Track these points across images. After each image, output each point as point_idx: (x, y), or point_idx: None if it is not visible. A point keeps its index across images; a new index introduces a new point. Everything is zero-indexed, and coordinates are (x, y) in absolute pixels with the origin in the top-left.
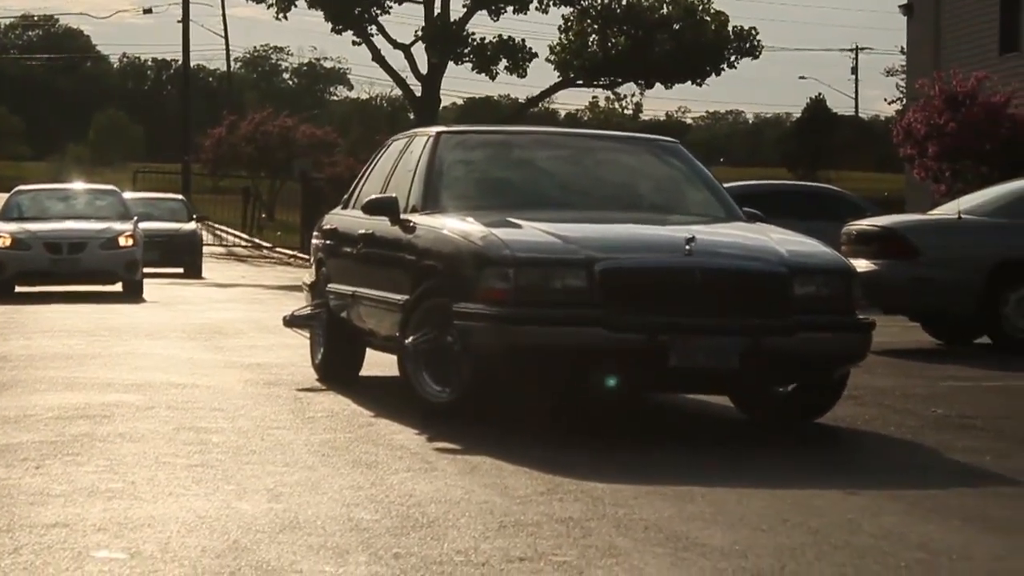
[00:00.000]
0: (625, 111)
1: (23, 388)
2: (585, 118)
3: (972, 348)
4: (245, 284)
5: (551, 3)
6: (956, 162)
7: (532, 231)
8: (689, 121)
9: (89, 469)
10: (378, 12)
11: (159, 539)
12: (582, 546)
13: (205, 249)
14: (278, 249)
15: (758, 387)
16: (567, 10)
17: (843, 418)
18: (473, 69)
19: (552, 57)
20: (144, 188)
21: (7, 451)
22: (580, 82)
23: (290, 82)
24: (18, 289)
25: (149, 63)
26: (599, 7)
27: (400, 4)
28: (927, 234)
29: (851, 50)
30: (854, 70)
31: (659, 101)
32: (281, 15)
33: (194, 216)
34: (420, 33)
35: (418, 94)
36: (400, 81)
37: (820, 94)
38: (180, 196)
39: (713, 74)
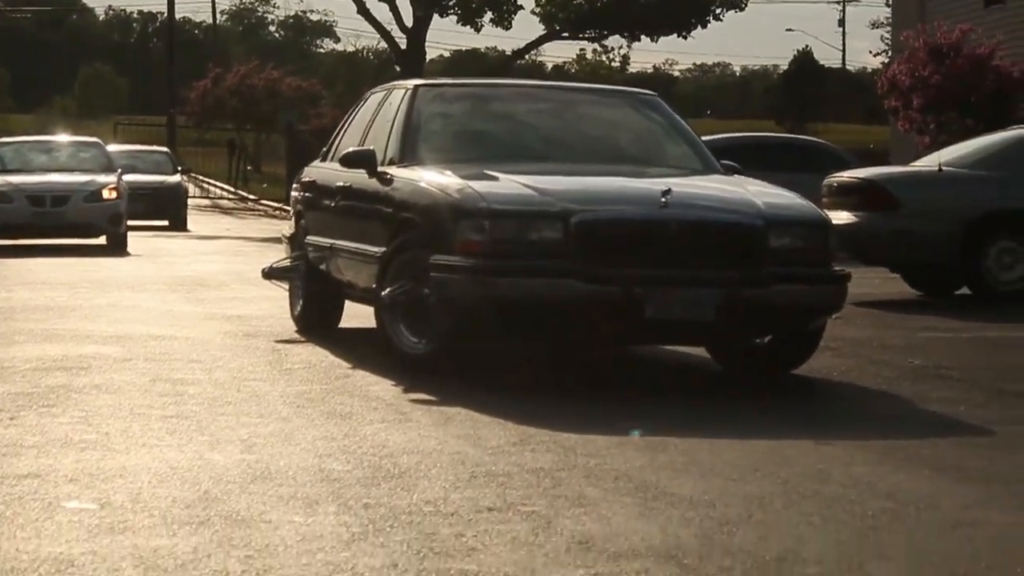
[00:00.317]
0: (612, 64)
1: (1, 340)
2: (572, 71)
3: (952, 300)
4: (229, 236)
5: None
6: (940, 114)
7: (509, 183)
8: (676, 74)
9: (63, 420)
10: None
11: (130, 490)
12: (551, 496)
13: (190, 201)
14: (263, 201)
15: (734, 339)
16: None
17: (819, 369)
18: (458, 22)
19: (537, 9)
20: (125, 140)
21: None
22: (565, 35)
23: (276, 35)
24: (0, 242)
25: (135, 16)
26: None
27: None
28: (908, 186)
29: (838, 2)
30: (841, 22)
31: (646, 54)
32: None
33: (179, 168)
34: None
35: (403, 47)
36: (385, 34)
37: (807, 46)
38: (165, 148)
39: (699, 26)
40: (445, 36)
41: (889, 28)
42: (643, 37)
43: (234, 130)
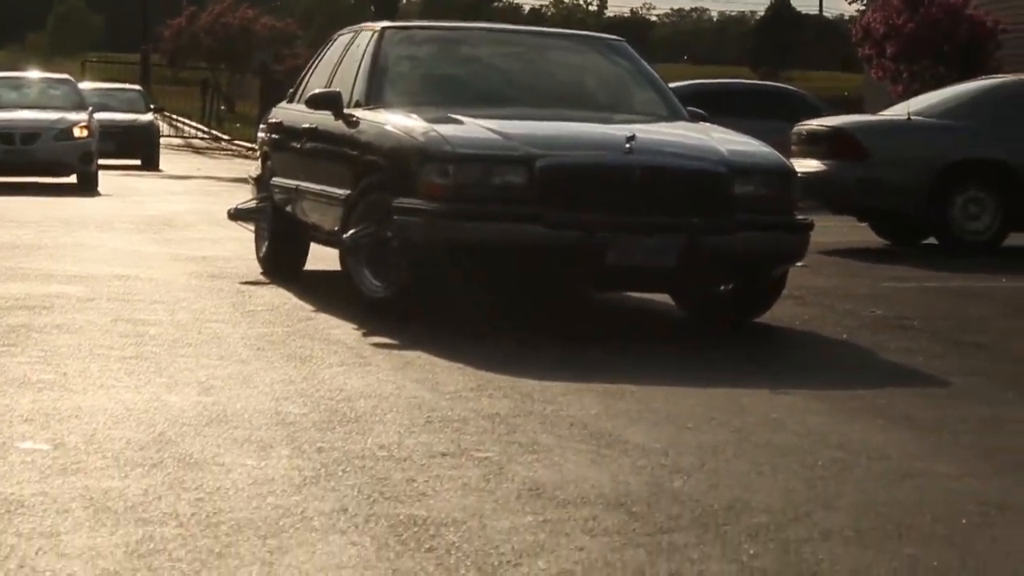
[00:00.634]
0: (590, 7)
1: None
2: (549, 14)
3: (919, 249)
4: (201, 176)
5: None
6: (914, 63)
7: (474, 127)
8: (654, 18)
9: (22, 360)
10: None
11: (85, 431)
12: (505, 442)
13: (162, 140)
14: (236, 141)
15: (696, 286)
16: None
17: (782, 318)
18: None
19: None
20: (94, 78)
21: None
22: None
23: None
24: None
25: None
26: None
27: None
28: (876, 135)
29: None
30: None
31: None
32: None
33: (151, 107)
34: None
35: None
36: None
37: None
38: (137, 87)
39: None
40: None
41: None
42: None
43: (208, 69)
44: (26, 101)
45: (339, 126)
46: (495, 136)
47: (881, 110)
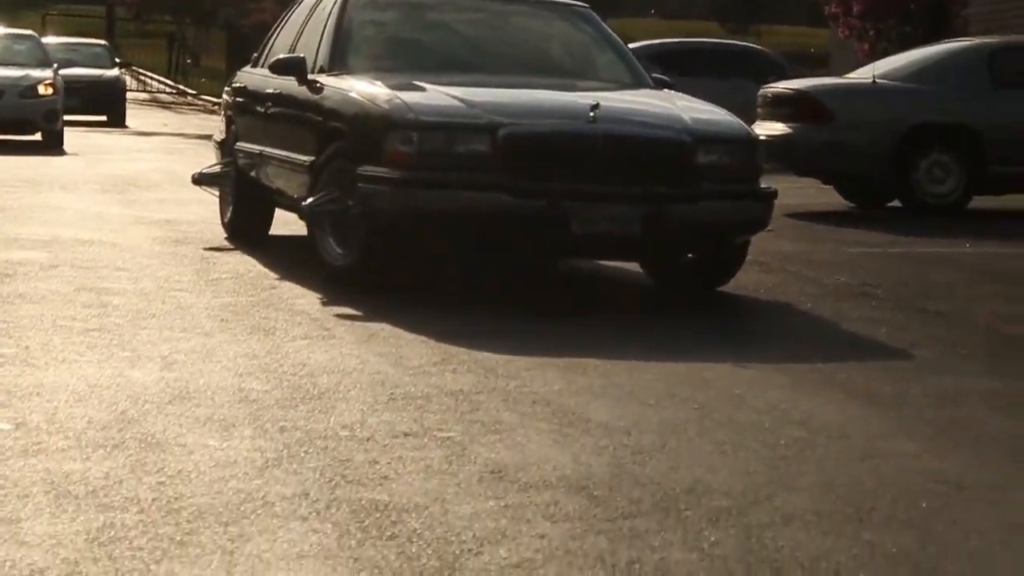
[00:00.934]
0: None
1: None
2: None
3: (883, 212)
4: (167, 133)
5: None
6: (880, 21)
7: (437, 95)
8: None
9: None
10: None
11: (46, 409)
12: (468, 421)
13: (128, 95)
14: (203, 96)
15: (660, 255)
16: None
17: (746, 285)
18: None
19: None
20: (56, 32)
21: None
22: None
23: None
24: None
25: None
26: None
27: None
28: (841, 98)
29: None
30: None
31: None
32: None
33: (117, 62)
34: None
35: None
36: None
37: None
38: (103, 41)
39: None
40: None
41: None
42: None
43: (173, 23)
44: None
45: (303, 92)
46: (459, 104)
47: (847, 67)
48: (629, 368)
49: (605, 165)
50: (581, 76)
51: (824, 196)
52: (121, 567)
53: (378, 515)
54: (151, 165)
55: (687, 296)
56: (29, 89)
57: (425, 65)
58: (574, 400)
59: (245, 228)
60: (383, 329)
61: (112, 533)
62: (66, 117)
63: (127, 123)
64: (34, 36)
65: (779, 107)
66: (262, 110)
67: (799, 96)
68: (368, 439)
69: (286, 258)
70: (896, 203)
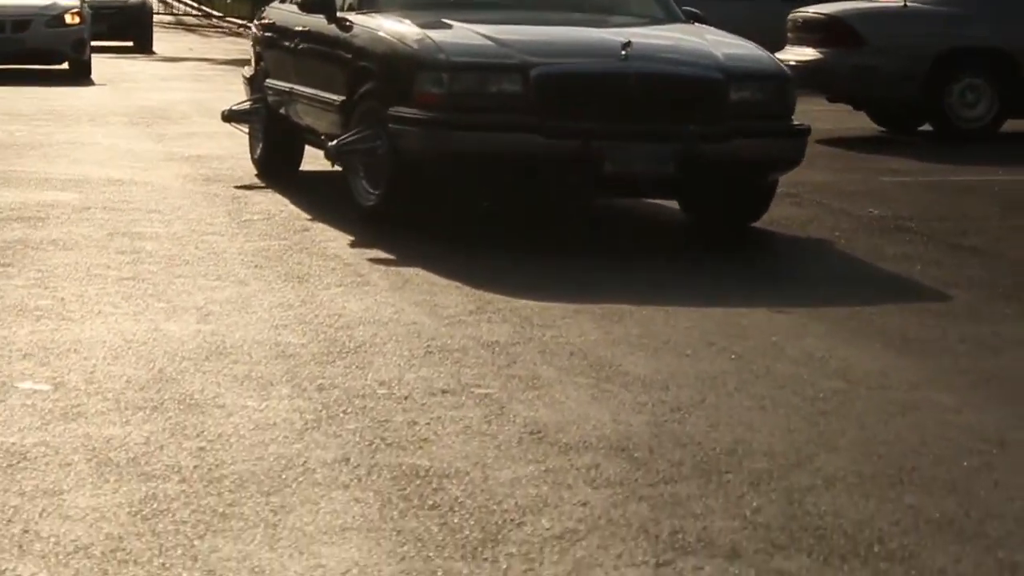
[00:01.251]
0: None
1: None
2: None
3: (915, 137)
4: (193, 58)
5: None
6: None
7: (467, 33)
8: None
9: (19, 283)
10: None
11: (84, 367)
12: (506, 376)
13: (154, 19)
14: (228, 19)
15: (694, 193)
16: None
17: (779, 220)
18: None
19: None
20: None
21: None
22: None
23: None
24: None
25: None
26: None
27: None
28: (872, 22)
29: None
30: None
31: None
32: None
33: None
34: None
35: None
36: None
37: None
38: None
39: None
40: None
41: None
42: None
43: None
44: None
45: (332, 30)
46: (489, 43)
47: None
48: (665, 315)
49: (637, 104)
50: (611, 11)
51: (855, 121)
52: (165, 543)
53: (419, 482)
54: (179, 95)
55: (721, 234)
56: (56, 19)
57: (454, 2)
58: (611, 351)
59: (275, 165)
60: (417, 275)
61: (155, 505)
62: (93, 43)
63: (154, 48)
64: None
65: (809, 32)
66: (291, 47)
67: (830, 21)
68: (406, 397)
69: (317, 196)
70: (927, 127)
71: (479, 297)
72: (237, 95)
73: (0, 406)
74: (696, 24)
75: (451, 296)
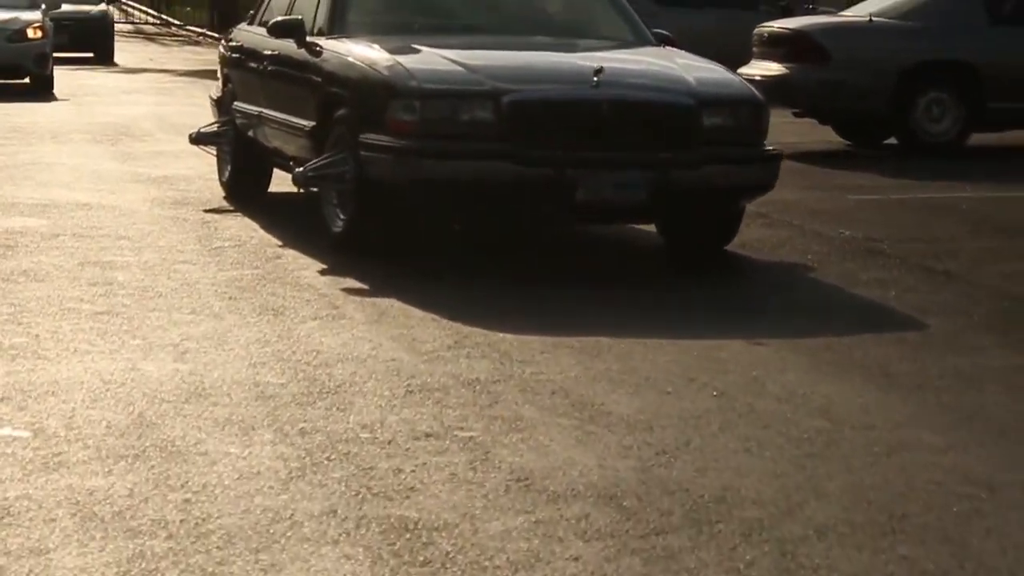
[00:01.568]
0: None
1: None
2: None
3: (880, 151)
4: (153, 69)
5: None
6: None
7: (437, 59)
8: None
9: None
10: None
11: (63, 411)
12: (488, 417)
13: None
14: (187, 27)
15: (666, 219)
16: None
17: (751, 242)
18: None
19: None
20: None
21: None
22: None
23: None
24: None
25: None
26: None
27: None
28: (838, 37)
29: None
30: None
31: None
32: None
33: None
34: None
35: None
36: None
37: None
38: None
39: None
40: None
41: None
42: None
43: None
44: None
45: (302, 54)
46: (460, 69)
47: (841, 3)
48: (644, 349)
49: (610, 131)
50: (581, 34)
51: (820, 134)
52: None
53: (408, 536)
54: (141, 109)
55: (695, 259)
56: (17, 33)
57: (423, 26)
58: (592, 389)
59: (244, 188)
60: (392, 306)
61: (143, 564)
62: (53, 54)
63: (115, 60)
64: None
65: (775, 47)
66: (260, 70)
67: (795, 36)
68: (390, 442)
69: (287, 221)
70: (893, 140)
71: (456, 330)
72: (199, 109)
73: None
74: (667, 47)
75: (428, 330)
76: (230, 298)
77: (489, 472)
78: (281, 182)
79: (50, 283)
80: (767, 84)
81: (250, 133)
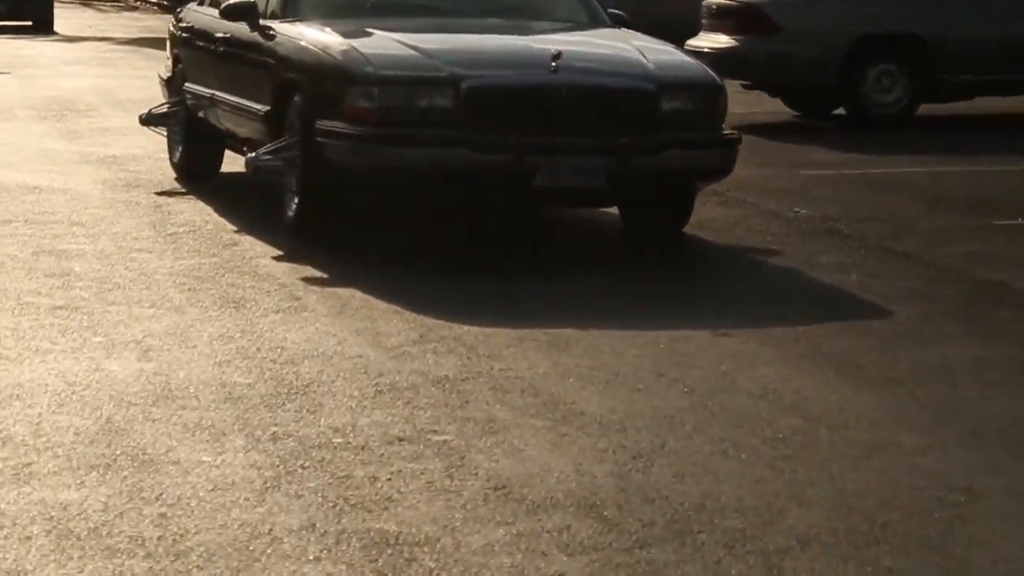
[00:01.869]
0: None
1: None
2: None
3: (829, 122)
4: (93, 37)
5: None
6: None
7: (392, 44)
8: None
9: None
10: None
11: (30, 417)
12: (460, 419)
13: None
14: None
15: (625, 203)
16: None
17: (708, 222)
18: None
19: None
20: None
21: None
22: None
23: None
24: None
25: None
26: None
27: None
28: (787, 9)
29: None
30: None
31: None
32: None
33: None
34: None
35: None
36: None
37: None
38: None
39: None
40: None
41: None
42: None
43: None
44: None
45: (255, 38)
46: (415, 54)
47: None
48: (610, 342)
49: (568, 116)
50: (535, 16)
51: (768, 105)
52: None
53: (390, 551)
54: (84, 82)
55: (655, 242)
56: None
57: (376, 9)
58: (562, 387)
59: (195, 169)
60: (354, 297)
61: None
62: None
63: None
64: None
65: (724, 19)
66: (212, 52)
67: (744, 8)
68: (363, 447)
69: (240, 204)
70: (841, 111)
71: (420, 323)
72: (144, 82)
73: None
74: (622, 28)
75: (392, 323)
76: (189, 289)
77: (466, 480)
78: (232, 161)
79: (6, 274)
80: (716, 56)
81: (201, 114)
